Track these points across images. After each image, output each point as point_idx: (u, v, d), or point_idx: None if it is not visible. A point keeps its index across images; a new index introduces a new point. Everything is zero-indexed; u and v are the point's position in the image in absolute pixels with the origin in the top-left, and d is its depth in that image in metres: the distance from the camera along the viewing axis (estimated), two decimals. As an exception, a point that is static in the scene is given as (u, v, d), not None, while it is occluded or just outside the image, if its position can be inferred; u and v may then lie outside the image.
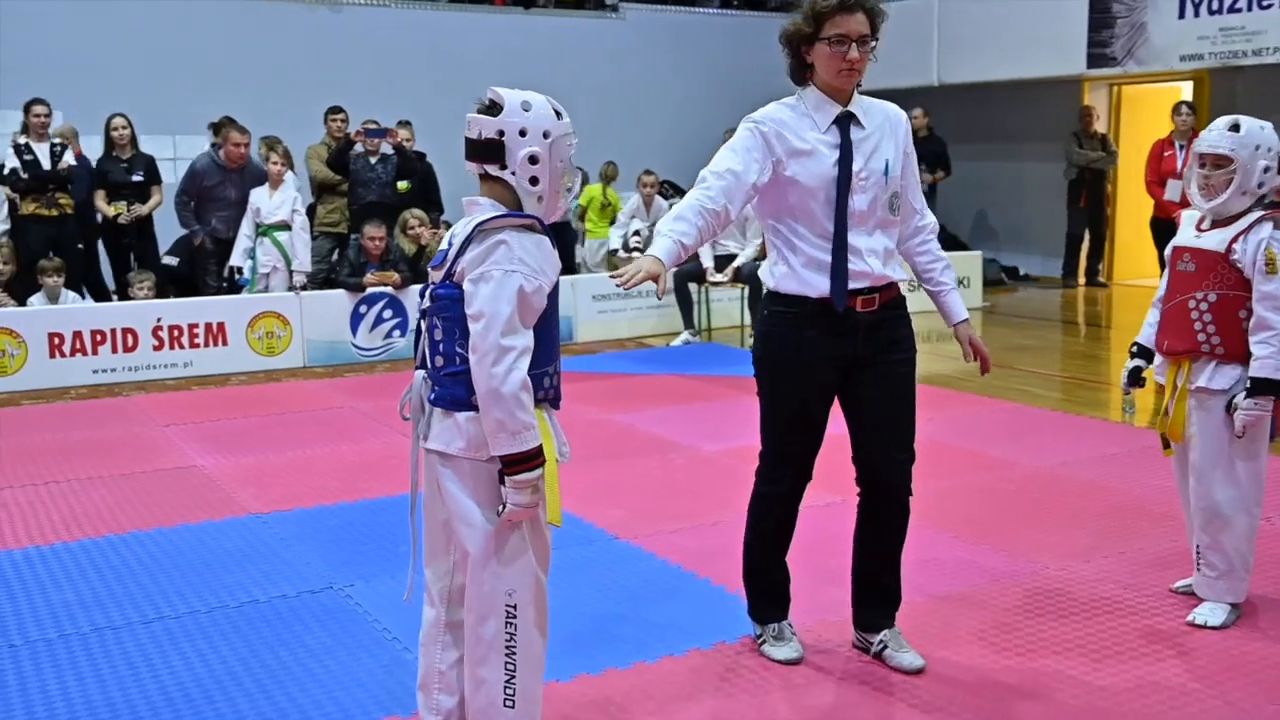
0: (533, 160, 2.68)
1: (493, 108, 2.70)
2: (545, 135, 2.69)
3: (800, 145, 3.32)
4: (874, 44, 3.28)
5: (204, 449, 6.40)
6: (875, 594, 3.65)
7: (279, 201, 9.15)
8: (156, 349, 8.57)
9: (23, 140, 9.37)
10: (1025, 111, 13.62)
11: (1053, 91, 13.12)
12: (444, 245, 2.77)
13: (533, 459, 2.64)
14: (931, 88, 13.64)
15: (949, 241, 13.03)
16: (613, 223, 11.50)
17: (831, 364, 3.39)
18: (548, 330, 2.73)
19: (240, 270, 9.25)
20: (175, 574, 4.47)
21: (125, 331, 8.48)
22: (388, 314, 9.26)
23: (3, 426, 7.05)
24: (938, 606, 4.06)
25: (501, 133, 2.67)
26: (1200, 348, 3.78)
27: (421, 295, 2.81)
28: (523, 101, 2.70)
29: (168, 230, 10.03)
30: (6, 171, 9.40)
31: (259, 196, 9.24)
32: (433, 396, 2.73)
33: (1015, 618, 3.96)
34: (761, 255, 9.90)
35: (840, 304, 3.33)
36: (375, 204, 9.65)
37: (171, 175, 10.28)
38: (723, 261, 9.78)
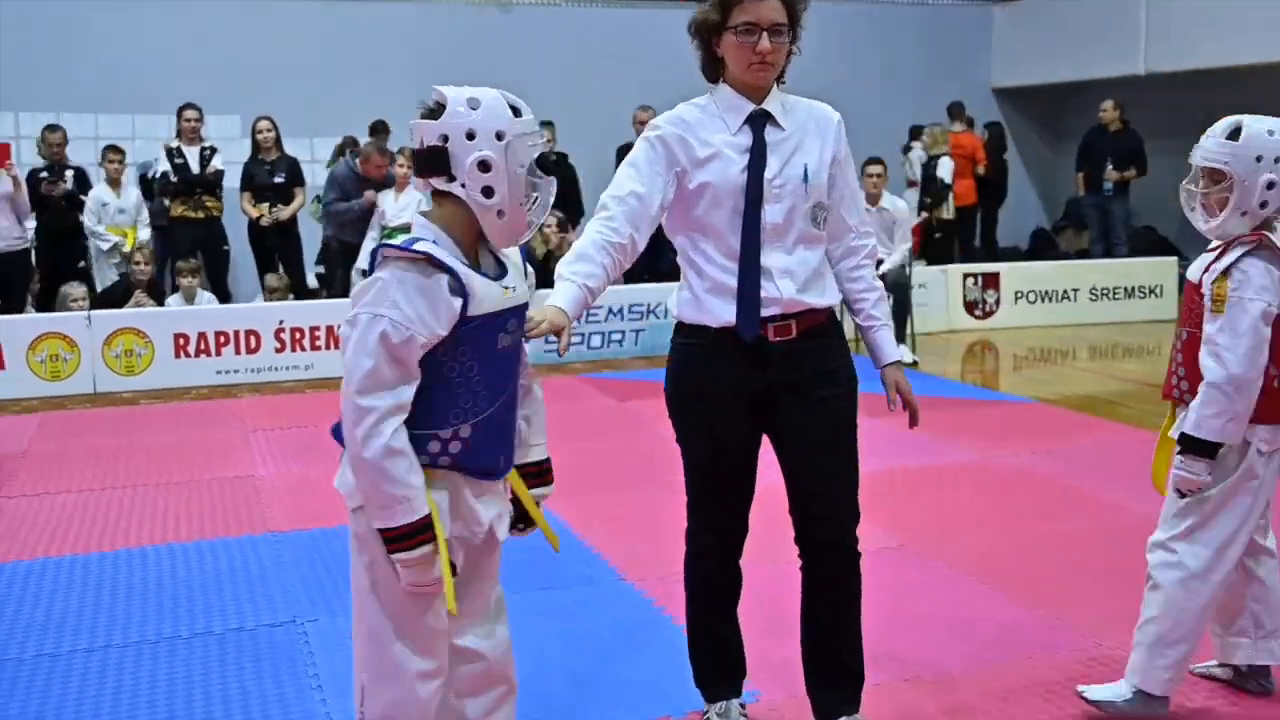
0: (483, 167, 2.26)
1: (436, 110, 2.28)
2: (499, 137, 2.26)
3: (704, 151, 2.84)
4: (792, 34, 2.82)
5: (271, 458, 6.31)
6: (830, 673, 3.07)
7: (404, 204, 9.06)
8: (278, 351, 8.62)
9: (174, 144, 9.65)
10: (1242, 100, 12.21)
11: (1275, 78, 11.74)
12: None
13: (415, 534, 2.25)
14: (1136, 77, 12.45)
15: (1155, 245, 11.89)
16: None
17: (744, 401, 2.90)
18: (445, 385, 2.30)
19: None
20: (152, 597, 4.31)
21: (248, 334, 8.56)
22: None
23: (101, 426, 7.18)
24: (941, 683, 3.44)
25: (445, 137, 2.26)
26: (1173, 392, 3.09)
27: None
28: (469, 99, 2.27)
29: (314, 233, 10.17)
30: (158, 175, 9.71)
31: (385, 199, 9.20)
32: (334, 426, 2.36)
33: (1019, 703, 3.31)
34: (906, 262, 9.22)
35: (748, 333, 2.83)
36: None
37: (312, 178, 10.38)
38: (869, 268, 9.10)
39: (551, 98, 11.47)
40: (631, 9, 13.25)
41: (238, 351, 8.53)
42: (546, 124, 10.32)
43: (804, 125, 2.90)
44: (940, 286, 10.38)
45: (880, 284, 3.06)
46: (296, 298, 9.74)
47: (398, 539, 2.25)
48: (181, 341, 8.42)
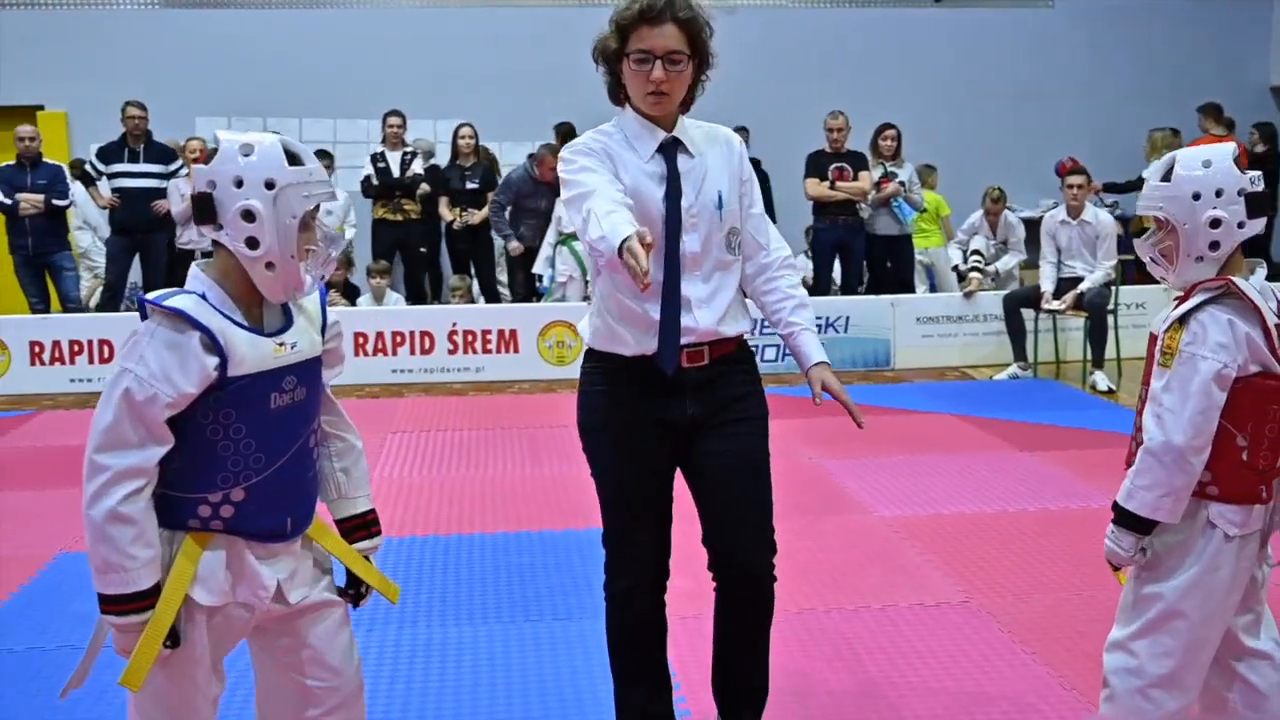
0: (247, 216, 2.17)
1: (210, 154, 2.24)
2: (268, 185, 2.18)
3: (626, 178, 2.70)
4: (696, 62, 2.71)
5: (373, 462, 6.41)
6: (735, 693, 3.02)
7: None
8: (451, 353, 8.81)
9: (379, 149, 10.05)
10: None
11: None
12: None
13: (126, 601, 2.16)
14: None
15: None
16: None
17: (655, 429, 2.81)
18: (209, 447, 2.20)
19: (540, 277, 9.30)
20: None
21: (423, 334, 8.79)
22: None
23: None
24: None
25: (213, 184, 2.19)
26: (1131, 458, 2.63)
27: None
28: (243, 144, 2.21)
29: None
30: (363, 179, 10.14)
31: (562, 206, 9.23)
32: None
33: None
34: (1111, 281, 8.44)
35: (669, 365, 2.73)
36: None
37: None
38: (1066, 285, 8.41)
39: (769, 99, 11.37)
40: (863, 9, 12.84)
41: (412, 352, 8.78)
42: (741, 130, 10.08)
43: (708, 151, 2.80)
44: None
45: (800, 291, 2.92)
46: (487, 300, 9.96)
47: (108, 601, 2.16)
48: (361, 340, 8.74)
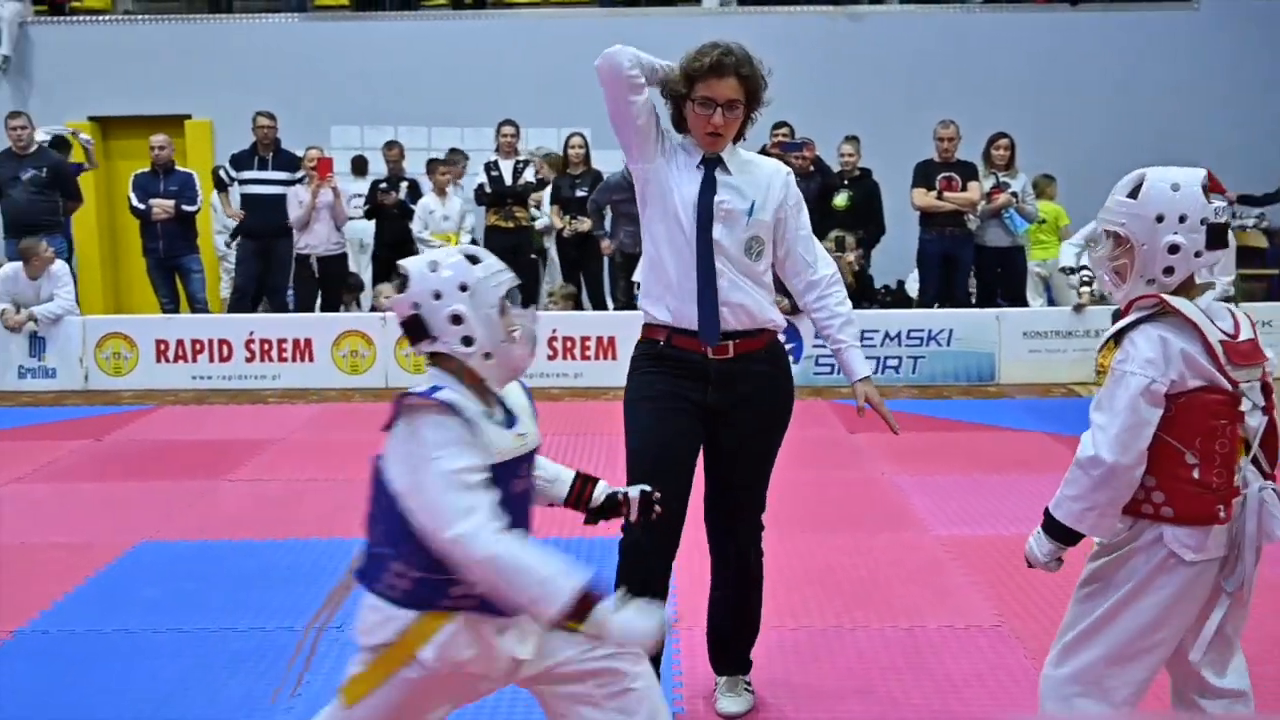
0: (455, 320, 2.41)
1: (402, 283, 2.46)
2: (463, 289, 2.42)
3: (674, 166, 3.27)
4: (749, 107, 3.22)
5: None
6: (724, 651, 3.55)
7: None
8: (551, 358, 8.97)
9: (493, 158, 10.30)
10: None
11: None
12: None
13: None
14: None
15: None
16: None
17: (687, 404, 3.25)
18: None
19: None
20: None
21: (524, 340, 8.96)
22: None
23: (360, 420, 7.81)
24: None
25: (416, 304, 2.43)
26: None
27: None
28: (429, 263, 2.46)
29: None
30: (476, 187, 10.39)
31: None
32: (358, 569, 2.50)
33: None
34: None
35: (711, 340, 3.21)
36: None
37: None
38: (1181, 301, 8.09)
39: (897, 105, 11.25)
40: (993, 13, 12.61)
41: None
42: (851, 139, 9.99)
43: (753, 176, 3.25)
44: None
45: (845, 307, 3.31)
46: (595, 308, 10.10)
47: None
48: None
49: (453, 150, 10.89)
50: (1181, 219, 2.48)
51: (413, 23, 12.73)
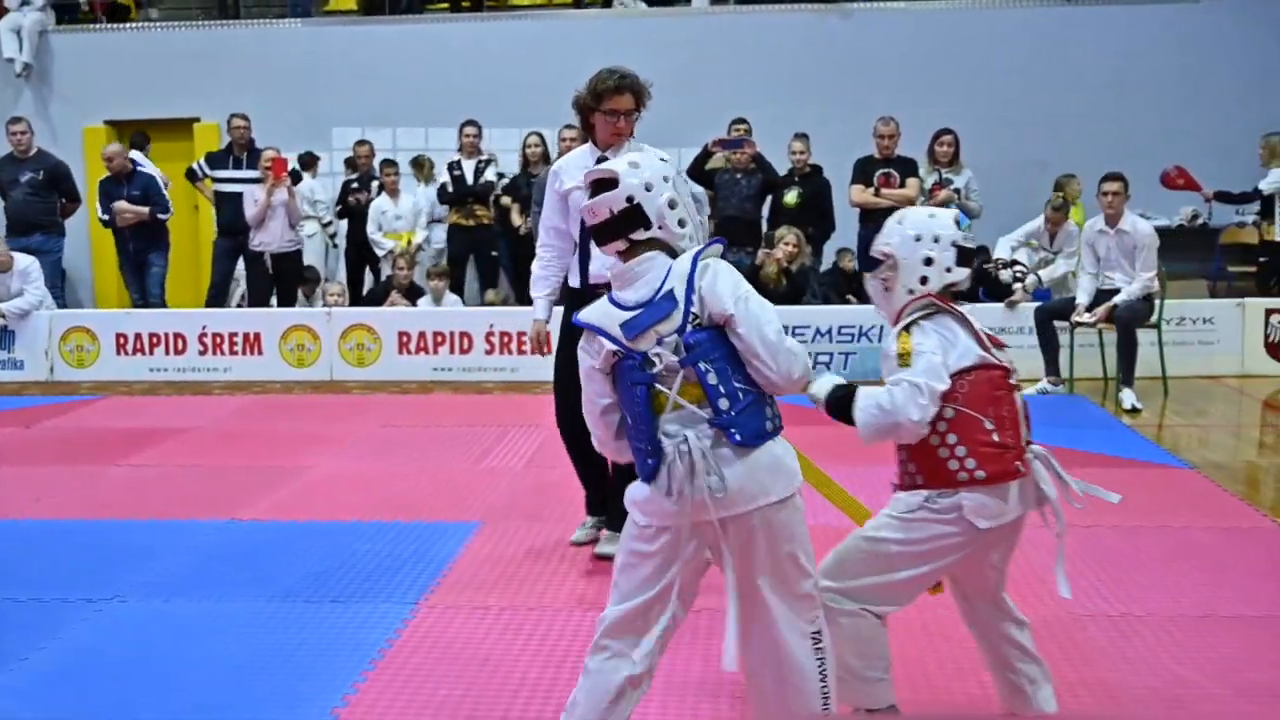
0: (671, 205, 2.81)
1: (610, 182, 2.81)
2: (665, 179, 2.83)
3: (568, 184, 4.51)
4: (638, 114, 4.46)
5: (350, 455, 6.78)
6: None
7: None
8: (489, 353, 9.15)
9: (456, 157, 10.53)
10: None
11: None
12: (645, 297, 2.76)
13: None
14: None
15: None
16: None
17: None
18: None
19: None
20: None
21: (462, 335, 9.17)
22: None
23: (283, 410, 8.09)
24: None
25: (630, 198, 2.79)
26: (905, 480, 3.05)
27: (642, 358, 2.72)
28: (630, 162, 2.85)
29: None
30: (439, 186, 10.63)
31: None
32: (738, 439, 2.69)
33: None
34: (1153, 293, 7.94)
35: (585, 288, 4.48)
36: (732, 218, 9.32)
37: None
38: (1106, 298, 7.97)
39: (894, 100, 11.19)
40: (985, 10, 12.48)
41: (451, 351, 9.17)
42: (801, 136, 9.99)
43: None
44: (1234, 324, 8.81)
45: None
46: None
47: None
48: (404, 339, 9.21)
49: (385, 161, 11.00)
50: (935, 239, 3.00)
51: (413, 26, 13.02)
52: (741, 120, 9.88)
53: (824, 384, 3.04)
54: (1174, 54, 12.13)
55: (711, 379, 2.69)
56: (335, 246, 11.23)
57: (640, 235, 2.76)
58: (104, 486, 6.12)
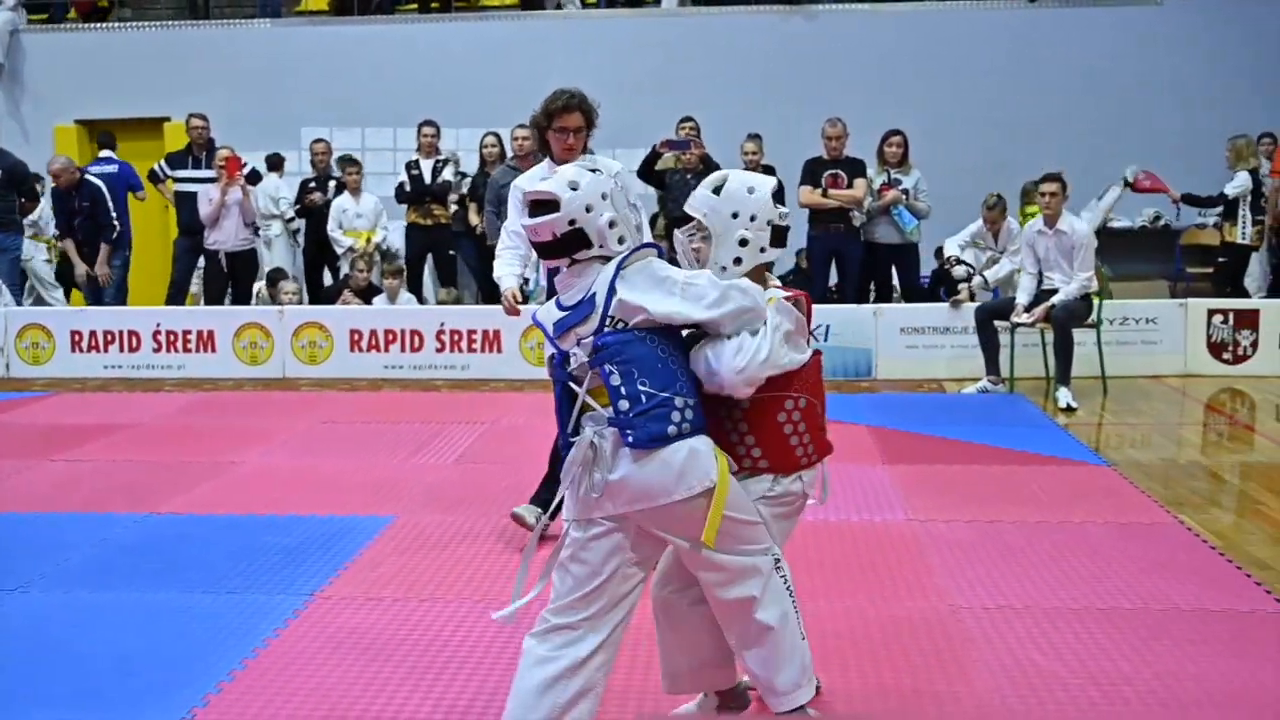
0: (611, 225, 2.90)
1: (551, 205, 2.89)
2: (604, 197, 2.90)
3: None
4: (588, 131, 4.75)
5: (285, 450, 6.85)
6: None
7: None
8: (439, 351, 9.23)
9: (414, 157, 10.60)
10: None
11: None
12: (576, 301, 2.92)
13: None
14: None
15: None
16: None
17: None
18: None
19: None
20: None
21: (412, 333, 9.25)
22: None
23: (240, 408, 8.16)
24: None
25: (573, 221, 2.88)
26: (745, 463, 3.04)
27: (563, 357, 2.91)
28: (569, 182, 2.91)
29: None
30: (397, 185, 10.70)
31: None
32: (630, 440, 2.80)
33: None
34: (1092, 293, 8.00)
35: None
36: (683, 219, 9.34)
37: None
38: (1046, 297, 8.03)
39: (854, 101, 11.25)
40: (956, 8, 12.56)
41: (403, 349, 9.25)
42: (754, 137, 10.04)
43: None
44: (1178, 324, 8.87)
45: None
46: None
47: None
48: (356, 337, 9.29)
49: (345, 159, 11.04)
50: (752, 218, 2.94)
51: (383, 27, 13.10)
52: (688, 119, 9.91)
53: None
54: (1138, 56, 12.22)
55: (614, 380, 2.80)
56: (297, 244, 11.29)
57: (582, 255, 2.88)
58: (35, 480, 6.19)
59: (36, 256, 11.13)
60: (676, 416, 2.81)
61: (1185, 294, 10.94)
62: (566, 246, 2.88)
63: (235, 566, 4.72)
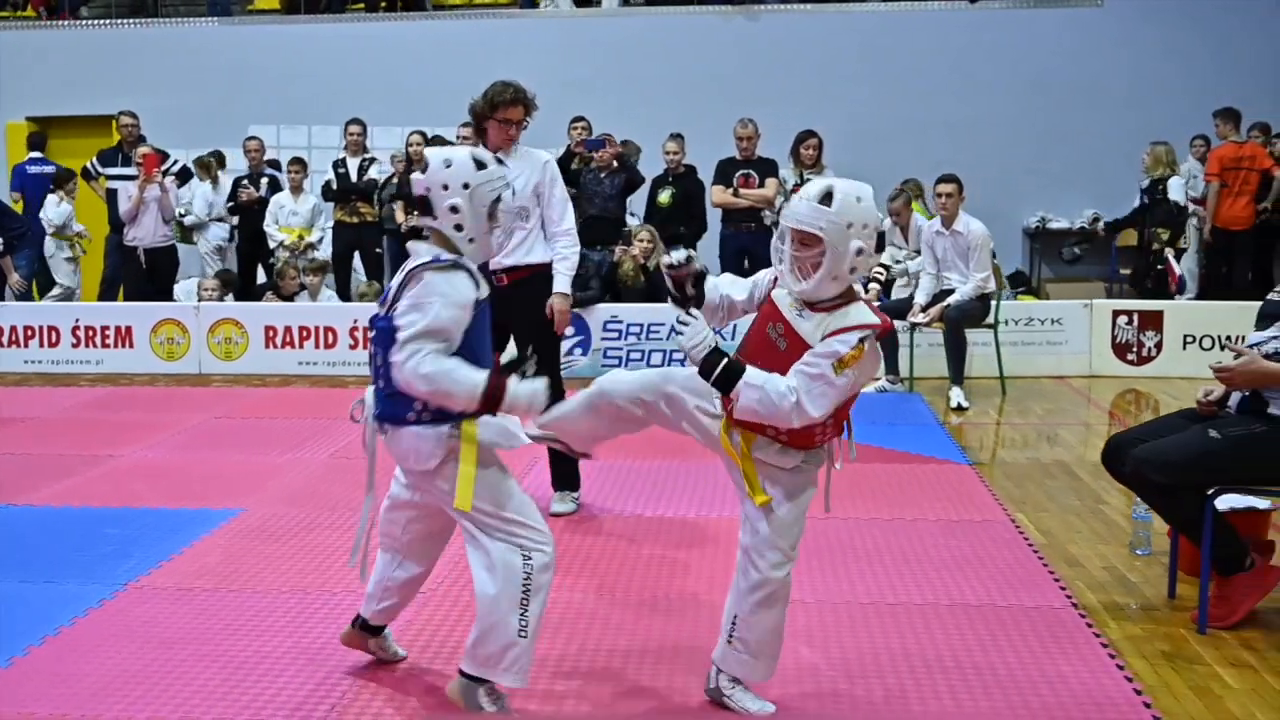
0: (453, 210, 3.12)
1: (423, 167, 3.17)
2: (465, 187, 3.12)
3: None
4: (525, 123, 5.06)
5: (178, 444, 6.92)
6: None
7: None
8: (353, 347, 9.30)
9: (341, 155, 10.68)
10: None
11: None
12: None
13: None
14: None
15: None
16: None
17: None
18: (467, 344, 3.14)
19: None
20: None
21: (326, 330, 9.32)
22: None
23: (145, 402, 8.23)
24: None
25: (428, 189, 3.14)
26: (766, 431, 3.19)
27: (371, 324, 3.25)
28: (444, 159, 3.15)
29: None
30: (323, 183, 10.78)
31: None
32: (377, 413, 3.25)
33: None
34: (985, 294, 8.05)
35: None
36: (596, 217, 9.45)
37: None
38: (944, 297, 8.08)
39: (804, 102, 11.29)
40: (895, 11, 12.61)
41: (316, 346, 9.32)
42: (676, 136, 10.11)
43: (523, 164, 5.05)
44: (1082, 324, 8.92)
45: (570, 251, 5.12)
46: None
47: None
48: (271, 334, 9.36)
49: (294, 160, 11.13)
50: (865, 226, 3.04)
51: (331, 26, 13.19)
52: (580, 118, 9.94)
53: (702, 339, 3.18)
54: (1079, 56, 12.27)
55: (378, 360, 3.19)
56: (193, 244, 11.33)
57: (428, 222, 3.13)
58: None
59: None
60: (419, 405, 3.15)
61: (1120, 295, 11.04)
62: (419, 207, 3.15)
63: (66, 557, 4.80)
